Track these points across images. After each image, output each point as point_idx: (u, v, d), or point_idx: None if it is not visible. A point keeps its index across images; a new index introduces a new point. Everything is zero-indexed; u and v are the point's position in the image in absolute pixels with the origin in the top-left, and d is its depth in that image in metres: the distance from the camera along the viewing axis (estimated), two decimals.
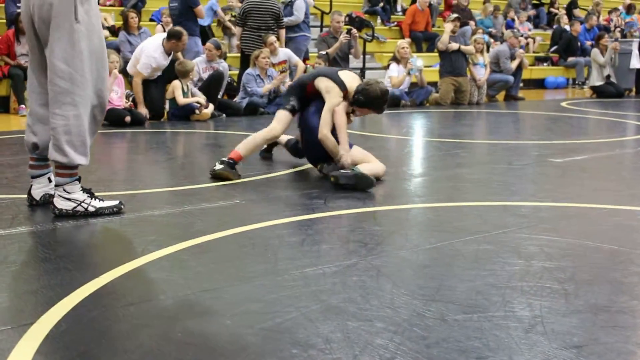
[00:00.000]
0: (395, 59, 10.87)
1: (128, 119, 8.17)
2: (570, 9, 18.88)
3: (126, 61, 9.79)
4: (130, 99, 8.95)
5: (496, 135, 8.10)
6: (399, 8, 16.19)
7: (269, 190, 4.59)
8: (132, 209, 4.00)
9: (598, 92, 13.19)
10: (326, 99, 4.91)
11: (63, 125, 3.68)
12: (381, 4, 15.46)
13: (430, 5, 15.15)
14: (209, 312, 2.46)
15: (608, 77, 13.15)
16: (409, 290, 2.68)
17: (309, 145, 5.07)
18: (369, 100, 4.91)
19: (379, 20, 15.35)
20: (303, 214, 3.89)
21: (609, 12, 18.45)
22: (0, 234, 3.46)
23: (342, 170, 4.62)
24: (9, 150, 6.49)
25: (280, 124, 5.06)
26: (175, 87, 8.75)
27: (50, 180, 4.07)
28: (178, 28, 9.20)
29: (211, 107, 9.04)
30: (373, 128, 6.87)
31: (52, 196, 3.94)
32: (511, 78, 12.11)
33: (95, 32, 3.75)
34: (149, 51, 8.91)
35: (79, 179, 3.89)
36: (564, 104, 11.73)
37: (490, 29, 15.60)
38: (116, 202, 3.94)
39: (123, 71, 9.19)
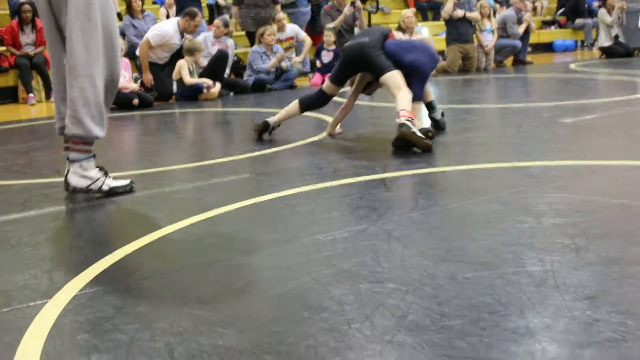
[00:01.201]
0: (401, 29, 10.80)
1: (136, 101, 8.19)
2: None
3: (131, 45, 9.80)
4: (139, 82, 8.97)
5: (505, 99, 8.05)
6: None
7: (277, 162, 4.60)
8: (143, 187, 4.02)
9: (607, 52, 13.08)
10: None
11: (81, 97, 3.69)
12: None
13: None
14: (221, 282, 2.48)
15: (616, 37, 13.04)
16: (419, 251, 2.69)
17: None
18: None
19: None
20: (312, 183, 3.90)
21: None
22: (14, 218, 3.49)
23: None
24: (19, 138, 6.54)
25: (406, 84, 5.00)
26: (182, 67, 8.74)
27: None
28: (194, 8, 9.25)
29: (218, 86, 9.04)
30: (382, 98, 6.85)
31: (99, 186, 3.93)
32: (519, 43, 12.03)
33: (109, 6, 3.78)
34: (165, 28, 8.93)
35: (94, 156, 3.89)
36: (572, 66, 11.65)
37: None
38: (128, 182, 3.95)
39: (129, 55, 9.21)
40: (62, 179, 3.94)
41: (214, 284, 2.47)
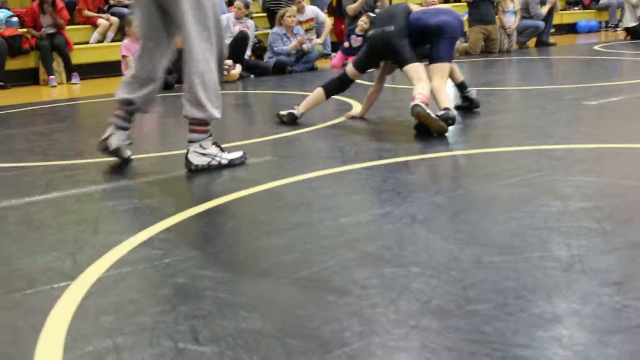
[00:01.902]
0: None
1: None
2: None
3: None
4: None
5: (528, 81, 7.97)
6: None
7: (299, 145, 4.58)
8: (164, 170, 4.02)
9: (632, 33, 12.89)
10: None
11: (200, 82, 3.84)
12: None
13: None
14: (244, 265, 2.47)
15: None
16: (443, 235, 2.66)
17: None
18: None
19: None
20: (335, 166, 3.87)
21: None
22: (37, 199, 3.50)
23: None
24: (41, 120, 6.56)
25: (427, 77, 4.98)
26: None
27: (129, 138, 4.25)
28: None
29: (239, 67, 9.02)
30: (403, 80, 6.78)
31: (119, 149, 4.18)
32: (542, 24, 11.89)
33: None
34: None
35: (211, 135, 4.01)
36: (597, 47, 11.50)
37: None
38: (241, 153, 4.09)
39: None
40: (84, 160, 3.96)
41: (238, 266, 2.46)
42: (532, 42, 12.17)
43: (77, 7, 10.72)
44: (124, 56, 8.30)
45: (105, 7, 10.88)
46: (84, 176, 3.97)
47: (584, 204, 2.98)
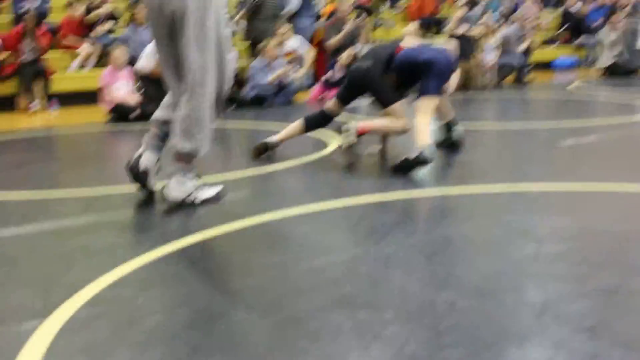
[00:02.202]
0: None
1: (137, 113, 8.16)
2: None
3: (133, 54, 9.80)
4: (142, 92, 8.94)
5: (505, 119, 8.05)
6: None
7: (275, 182, 4.58)
8: (141, 205, 4.01)
9: (608, 71, 13.07)
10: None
11: (195, 115, 3.83)
12: None
13: None
14: (217, 306, 2.46)
15: (618, 55, 13.03)
16: (418, 278, 2.67)
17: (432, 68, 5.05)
18: None
19: (387, 4, 15.26)
20: (310, 205, 3.87)
21: None
22: (11, 234, 3.47)
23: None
24: (18, 149, 6.51)
25: (408, 119, 5.05)
26: None
27: (158, 163, 4.15)
28: None
29: None
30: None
31: (147, 172, 4.07)
32: (520, 61, 12.02)
33: (222, 21, 3.90)
34: None
35: (194, 169, 3.99)
36: (573, 84, 11.64)
37: (497, 11, 15.49)
38: (217, 190, 4.04)
39: (131, 64, 9.20)
40: (61, 193, 3.92)
41: (211, 308, 2.45)
42: (510, 78, 12.29)
43: (59, 33, 10.70)
44: (104, 85, 8.28)
45: (88, 35, 10.86)
46: (59, 209, 3.94)
47: (558, 247, 3.00)
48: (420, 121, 4.88)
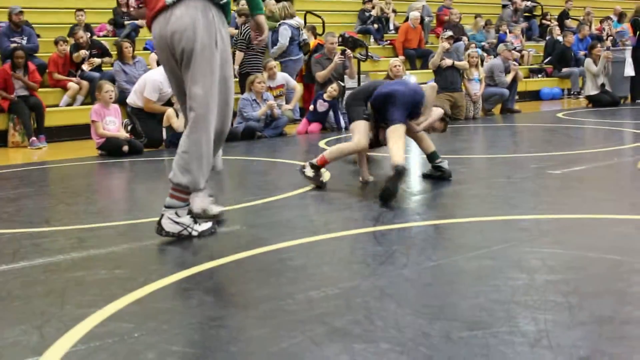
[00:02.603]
0: (389, 77, 10.89)
1: (126, 148, 8.18)
2: (562, 19, 18.96)
3: (121, 91, 9.84)
4: (129, 128, 8.98)
5: (494, 149, 8.11)
6: (391, 26, 16.26)
7: (268, 215, 4.59)
8: (133, 239, 4.01)
9: (593, 101, 13.21)
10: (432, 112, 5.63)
11: (195, 150, 3.84)
12: (375, 25, 15.53)
13: (422, 22, 15.22)
14: (213, 340, 2.46)
15: (602, 85, 13.18)
16: (413, 309, 2.68)
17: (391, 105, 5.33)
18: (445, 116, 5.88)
19: (372, 39, 15.41)
20: (304, 237, 3.89)
21: (601, 22, 18.52)
22: (3, 269, 3.46)
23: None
24: (8, 184, 6.51)
25: (364, 136, 5.44)
26: (170, 115, 8.77)
27: (210, 194, 4.14)
28: None
29: None
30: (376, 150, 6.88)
31: (207, 211, 4.07)
32: (506, 91, 12.14)
33: (228, 60, 3.95)
34: (154, 78, 9.00)
35: (188, 204, 4.00)
36: (560, 114, 11.76)
37: (483, 43, 15.67)
38: (211, 224, 4.04)
39: (119, 101, 9.24)
40: (52, 228, 3.92)
41: (207, 342, 2.45)
42: (497, 109, 12.40)
43: (47, 70, 10.75)
44: (93, 121, 8.30)
45: (76, 71, 10.91)
46: (51, 245, 3.94)
47: (550, 277, 3.02)
48: (390, 147, 5.08)
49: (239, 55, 10.57)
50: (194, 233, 3.95)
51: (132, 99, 9.17)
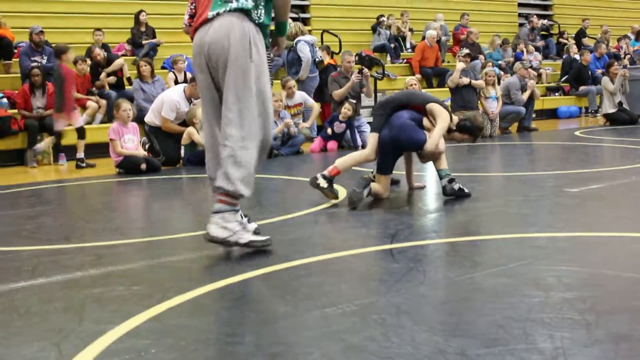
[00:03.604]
0: None
1: (144, 166, 8.24)
2: (579, 38, 18.97)
3: (140, 109, 9.94)
4: (147, 146, 9.05)
5: (511, 167, 8.10)
6: (408, 45, 16.32)
7: (286, 232, 4.61)
8: (151, 256, 4.04)
9: (611, 119, 13.17)
10: (439, 121, 5.64)
11: (231, 156, 3.87)
12: (392, 44, 15.58)
13: (439, 41, 15.27)
14: (230, 356, 2.47)
15: (620, 104, 13.15)
16: (429, 326, 2.68)
17: (392, 143, 5.60)
18: (473, 127, 5.87)
19: (388, 58, 15.47)
20: (321, 254, 3.91)
21: (618, 40, 18.52)
22: (22, 286, 3.50)
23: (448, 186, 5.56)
24: (27, 202, 6.57)
25: (374, 149, 5.69)
26: (191, 133, 8.83)
27: (241, 217, 4.14)
28: None
29: None
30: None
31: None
32: (523, 109, 12.14)
33: (264, 72, 4.00)
34: (171, 97, 9.08)
35: (238, 210, 4.02)
36: (577, 133, 11.73)
37: (499, 62, 15.69)
38: (267, 238, 4.06)
39: (138, 120, 9.32)
40: (70, 245, 3.95)
41: (220, 358, 2.46)
42: (514, 127, 12.39)
43: None
44: (111, 139, 8.38)
45: (94, 90, 11.03)
46: (70, 261, 3.97)
47: (567, 294, 3.02)
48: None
49: None
50: (242, 241, 3.95)
51: (150, 118, 9.26)
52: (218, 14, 3.91)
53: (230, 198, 3.94)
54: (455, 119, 5.85)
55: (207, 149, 4.22)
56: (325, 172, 5.55)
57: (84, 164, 9.26)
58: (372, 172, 5.72)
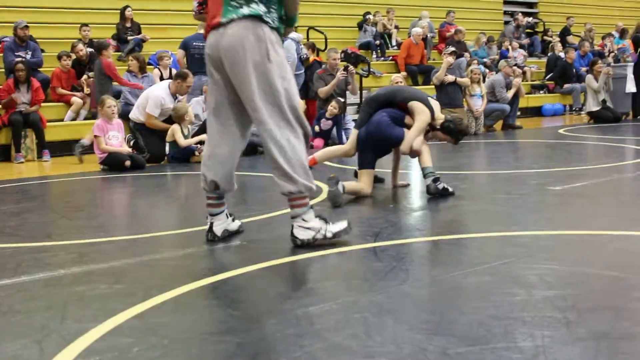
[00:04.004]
0: None
1: (128, 163, 8.22)
2: (563, 36, 19.05)
3: (128, 104, 9.92)
4: (132, 142, 9.03)
5: (495, 165, 8.14)
6: (393, 42, 16.35)
7: (269, 230, 4.62)
8: (134, 254, 4.03)
9: (595, 117, 13.25)
10: (417, 120, 5.63)
11: (283, 157, 3.89)
12: (377, 41, 15.60)
13: (424, 39, 15.30)
14: (213, 354, 2.48)
15: (604, 102, 13.22)
16: (411, 325, 2.70)
17: (369, 139, 5.67)
18: (457, 130, 5.80)
19: (374, 55, 15.49)
20: (305, 252, 3.91)
21: (603, 38, 18.61)
22: (5, 283, 3.48)
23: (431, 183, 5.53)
24: (11, 199, 6.54)
25: (351, 144, 5.82)
26: (175, 131, 8.82)
27: (227, 216, 4.27)
28: (185, 70, 9.39)
29: None
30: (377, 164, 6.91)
31: (232, 232, 4.25)
32: (508, 107, 12.19)
33: (286, 69, 3.98)
34: (156, 93, 9.06)
35: (312, 207, 4.06)
36: (561, 130, 11.79)
37: (484, 59, 15.74)
38: (345, 223, 4.08)
39: (123, 116, 9.29)
40: (53, 243, 3.94)
41: (202, 357, 2.46)
42: (499, 124, 12.44)
43: (50, 85, 10.81)
44: (96, 136, 8.35)
45: (78, 86, 10.99)
46: (53, 259, 3.96)
47: (548, 292, 3.04)
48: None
49: None
50: (329, 234, 4.00)
51: (135, 114, 9.23)
52: (232, 20, 3.88)
53: (301, 200, 3.99)
54: (442, 117, 5.83)
55: (210, 152, 4.18)
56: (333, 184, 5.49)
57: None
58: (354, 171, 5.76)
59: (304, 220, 3.99)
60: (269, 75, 3.88)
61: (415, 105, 5.68)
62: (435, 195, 5.52)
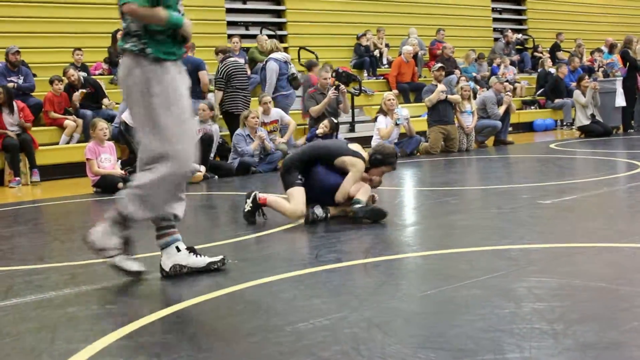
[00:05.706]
0: (383, 111, 11.00)
1: (121, 185, 8.21)
2: (553, 52, 19.17)
3: (115, 126, 9.94)
4: (124, 165, 9.05)
5: (486, 180, 8.17)
6: (384, 61, 16.43)
7: (260, 248, 4.64)
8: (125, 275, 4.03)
9: (586, 131, 13.32)
10: (352, 171, 5.45)
11: (149, 187, 3.80)
12: (368, 60, 15.68)
13: (415, 57, 15.38)
14: None
15: (593, 116, 13.29)
16: (399, 339, 2.71)
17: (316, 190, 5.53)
18: (385, 157, 5.55)
19: (365, 74, 15.56)
20: (295, 269, 3.93)
21: (592, 53, 18.73)
22: None
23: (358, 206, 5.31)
24: (4, 222, 6.54)
25: (300, 203, 5.41)
26: None
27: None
28: None
29: (203, 169, 9.12)
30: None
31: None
32: (499, 123, 12.24)
33: (175, 102, 3.74)
34: None
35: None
36: (553, 145, 11.85)
37: (475, 76, 15.82)
38: (218, 258, 4.02)
39: (114, 138, 9.32)
40: (45, 265, 3.95)
41: None
42: (490, 140, 12.49)
43: (43, 109, 10.84)
44: (88, 159, 8.37)
45: (71, 109, 11.01)
46: (44, 281, 3.97)
47: (537, 305, 3.06)
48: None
49: (219, 94, 10.63)
50: (195, 267, 3.94)
51: (126, 116, 9.17)
52: (123, 50, 3.78)
53: (167, 229, 4.00)
54: (366, 155, 5.61)
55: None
56: (261, 195, 5.52)
57: None
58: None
59: (177, 248, 3.93)
60: (153, 112, 3.72)
61: (344, 160, 5.49)
62: (363, 217, 5.31)
